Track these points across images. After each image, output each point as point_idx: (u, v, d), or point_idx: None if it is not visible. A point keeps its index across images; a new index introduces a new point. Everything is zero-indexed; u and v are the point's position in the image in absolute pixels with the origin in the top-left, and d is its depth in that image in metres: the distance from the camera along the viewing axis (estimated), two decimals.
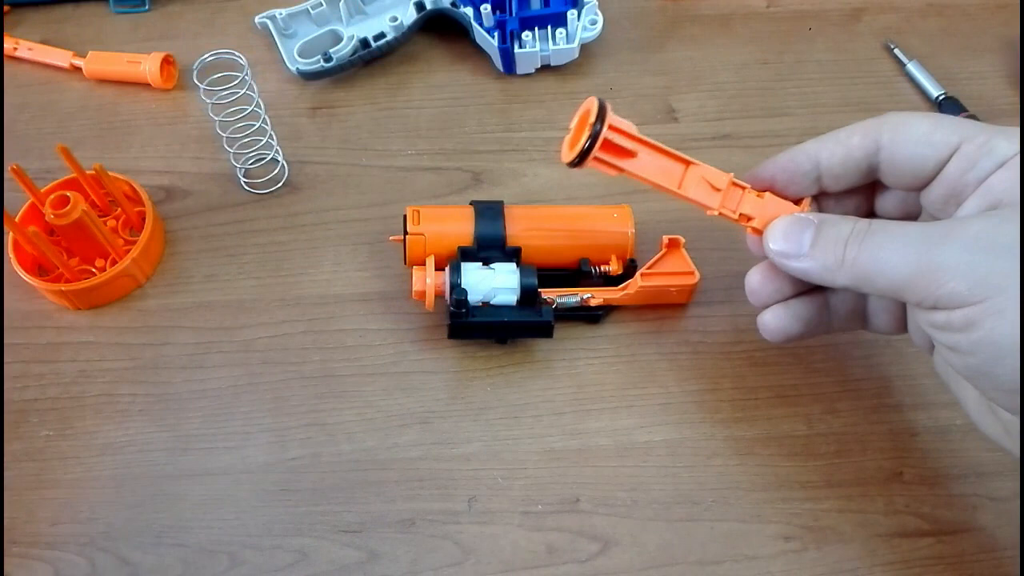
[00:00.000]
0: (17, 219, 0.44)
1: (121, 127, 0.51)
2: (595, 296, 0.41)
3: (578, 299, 0.41)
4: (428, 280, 0.39)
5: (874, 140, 0.31)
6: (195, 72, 0.43)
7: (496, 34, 0.50)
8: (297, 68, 0.51)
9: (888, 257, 0.28)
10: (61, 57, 0.53)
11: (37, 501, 0.38)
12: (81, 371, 0.42)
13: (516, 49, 0.50)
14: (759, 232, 0.33)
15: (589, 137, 0.32)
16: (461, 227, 0.41)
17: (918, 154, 0.30)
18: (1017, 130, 0.29)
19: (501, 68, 0.52)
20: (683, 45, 0.54)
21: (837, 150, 0.32)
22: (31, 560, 0.37)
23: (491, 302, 0.40)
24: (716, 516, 0.37)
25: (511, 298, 0.39)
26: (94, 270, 0.43)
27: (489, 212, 0.41)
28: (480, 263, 0.40)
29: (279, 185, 0.48)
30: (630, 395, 0.40)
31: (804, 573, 0.36)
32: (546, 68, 0.52)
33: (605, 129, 0.32)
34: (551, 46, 0.51)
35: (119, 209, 0.45)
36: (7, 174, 0.43)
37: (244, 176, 0.47)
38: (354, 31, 0.51)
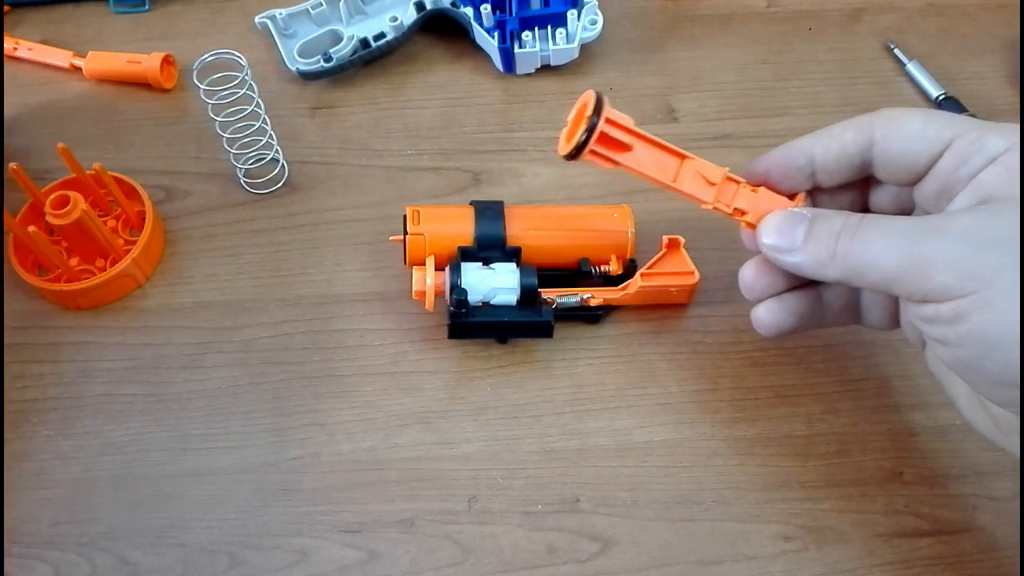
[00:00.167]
0: (17, 219, 0.44)
1: (121, 127, 0.51)
2: (595, 296, 0.41)
3: (578, 299, 0.41)
4: (428, 280, 0.39)
5: (867, 136, 0.31)
6: (195, 72, 0.43)
7: (496, 34, 0.50)
8: (297, 68, 0.51)
9: (879, 251, 0.29)
10: (61, 57, 0.53)
11: (37, 501, 0.38)
12: (81, 371, 0.42)
13: (516, 49, 0.50)
14: (753, 226, 0.33)
15: (586, 130, 0.32)
16: (461, 227, 0.41)
17: (911, 150, 0.30)
18: (1009, 126, 0.29)
19: (501, 68, 0.52)
20: (683, 45, 0.54)
21: (831, 145, 0.32)
22: (31, 560, 0.37)
23: (491, 302, 0.40)
24: (716, 516, 0.37)
25: (511, 298, 0.39)
26: (94, 270, 0.43)
27: (489, 212, 0.41)
28: (480, 263, 0.40)
29: (279, 185, 0.48)
30: (630, 395, 0.40)
31: (804, 573, 0.36)
32: (546, 68, 0.52)
33: (602, 122, 0.32)
34: (551, 46, 0.51)
35: (119, 209, 0.45)
36: (7, 174, 0.43)
37: (244, 176, 0.47)
38: (354, 31, 0.51)
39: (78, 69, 0.53)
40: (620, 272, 0.42)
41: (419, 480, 0.38)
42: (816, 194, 0.35)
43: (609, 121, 0.32)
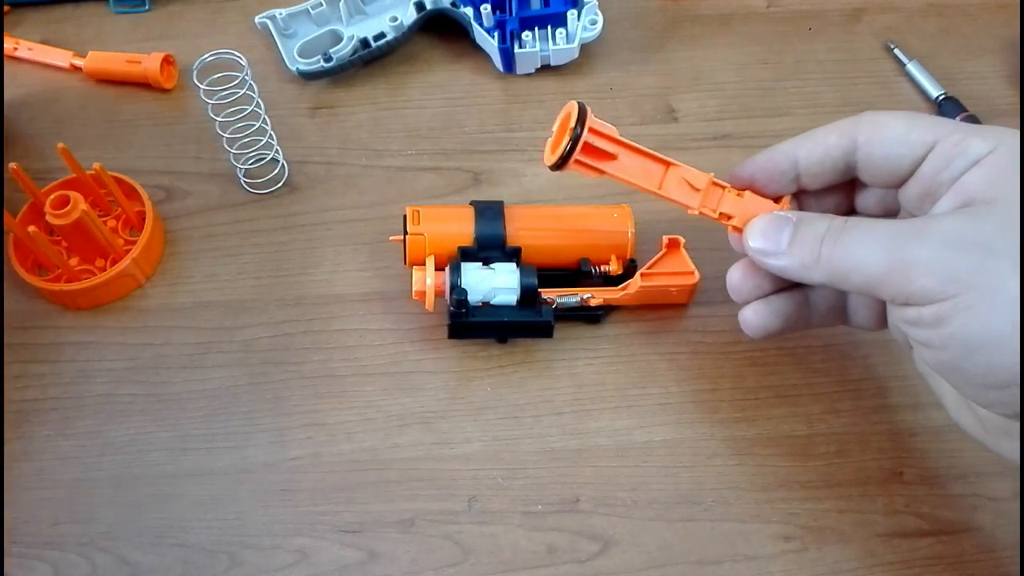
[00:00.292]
0: (17, 219, 0.44)
1: (121, 127, 0.51)
2: (595, 296, 0.41)
3: (578, 299, 0.41)
4: (428, 280, 0.39)
5: (851, 139, 0.32)
6: (195, 72, 0.43)
7: (496, 34, 0.50)
8: (297, 68, 0.51)
9: (862, 254, 0.29)
10: (61, 57, 0.53)
11: (37, 501, 0.38)
12: (81, 371, 0.42)
13: (516, 49, 0.50)
14: (740, 230, 0.34)
15: (570, 141, 0.33)
16: (461, 227, 0.41)
17: (894, 153, 0.31)
18: (990, 128, 0.29)
19: (501, 68, 0.52)
20: (683, 45, 0.54)
21: (815, 149, 0.33)
22: (31, 560, 0.37)
23: (491, 302, 0.40)
24: (716, 516, 0.37)
25: (511, 298, 0.39)
26: (94, 270, 0.43)
27: (489, 212, 0.41)
28: (480, 263, 0.40)
29: (279, 185, 0.48)
30: (630, 395, 0.40)
31: (804, 573, 0.36)
32: (546, 68, 0.52)
33: (585, 133, 0.33)
34: (551, 46, 0.51)
35: (119, 209, 0.45)
36: (7, 174, 0.43)
37: (244, 176, 0.47)
38: (354, 31, 0.51)
39: (78, 69, 0.53)
40: (620, 272, 0.42)
41: (419, 480, 0.38)
42: (802, 197, 0.35)
43: (593, 131, 0.33)
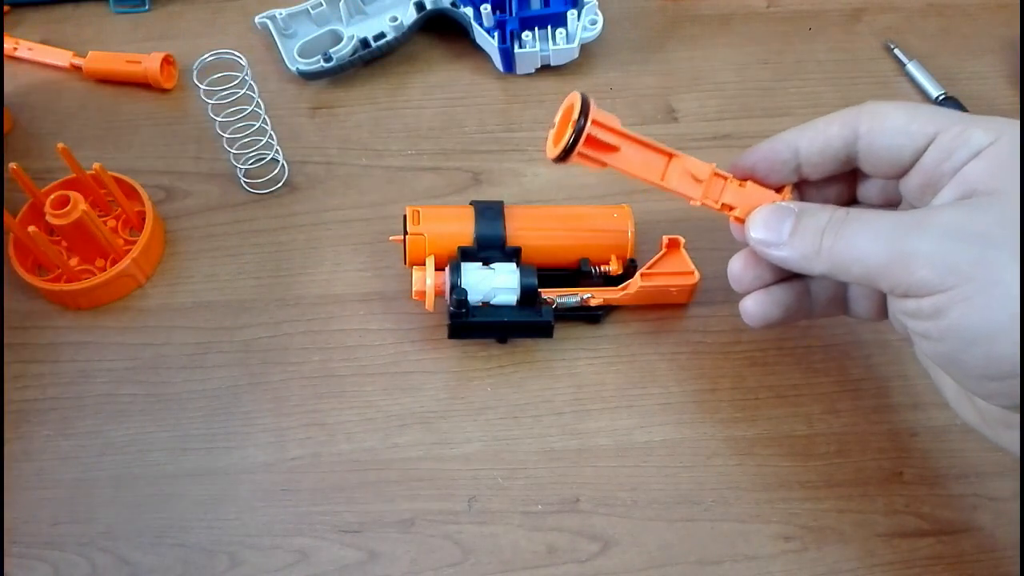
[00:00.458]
0: (17, 219, 0.44)
1: (121, 127, 0.51)
2: (595, 296, 0.41)
3: (578, 299, 0.41)
4: (428, 280, 0.39)
5: (852, 129, 0.32)
6: (195, 72, 0.43)
7: (496, 34, 0.50)
8: (297, 68, 0.51)
9: (862, 245, 0.29)
10: (61, 57, 0.53)
11: (37, 501, 0.38)
12: (81, 371, 0.42)
13: (516, 49, 0.50)
14: (742, 221, 0.34)
15: (573, 133, 0.32)
16: (461, 227, 0.41)
17: (895, 144, 0.31)
18: (992, 119, 0.29)
19: (501, 68, 0.52)
20: (683, 45, 0.54)
21: (816, 139, 0.33)
22: (31, 560, 0.37)
23: (491, 302, 0.40)
24: (716, 516, 0.37)
25: (511, 298, 0.39)
26: (94, 270, 0.43)
27: (489, 212, 0.41)
28: (480, 263, 0.40)
29: (279, 185, 0.48)
30: (630, 395, 0.40)
31: (804, 573, 0.36)
32: (546, 68, 0.52)
33: (589, 124, 0.32)
34: (551, 46, 0.51)
35: (119, 209, 0.45)
36: (7, 174, 0.43)
37: (244, 176, 0.47)
38: (354, 31, 0.51)
39: (78, 69, 0.53)
40: (620, 272, 0.42)
41: (419, 480, 0.38)
42: (803, 187, 0.35)
43: (596, 123, 0.32)
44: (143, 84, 0.52)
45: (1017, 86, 0.51)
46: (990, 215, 0.27)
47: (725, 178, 0.34)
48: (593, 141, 0.33)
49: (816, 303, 0.36)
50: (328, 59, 0.51)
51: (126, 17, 0.56)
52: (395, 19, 0.51)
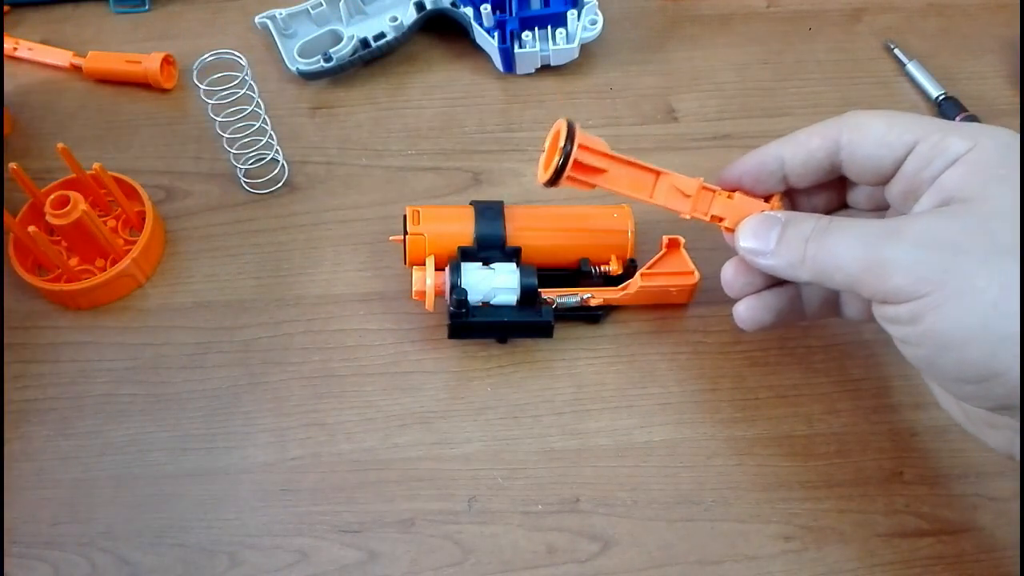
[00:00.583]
0: (17, 219, 0.44)
1: (121, 127, 0.51)
2: (595, 296, 0.41)
3: (578, 299, 0.41)
4: (428, 280, 0.39)
5: (834, 141, 0.32)
6: (195, 72, 0.43)
7: (496, 34, 0.50)
8: (297, 68, 0.51)
9: (842, 253, 0.30)
10: (61, 57, 0.53)
11: (37, 501, 0.38)
12: (81, 371, 0.42)
13: (516, 49, 0.50)
14: (732, 231, 0.35)
15: (561, 158, 0.34)
16: (461, 227, 0.41)
17: (876, 154, 0.31)
18: (969, 126, 0.30)
19: (501, 68, 0.52)
20: (683, 45, 0.54)
21: (799, 152, 0.33)
22: (31, 560, 0.37)
23: (491, 302, 0.40)
24: (716, 516, 0.37)
25: (511, 298, 0.39)
26: (94, 270, 0.43)
27: (489, 212, 0.41)
28: (480, 263, 0.40)
29: (279, 185, 0.48)
30: (630, 395, 0.40)
31: (804, 573, 0.36)
32: (546, 68, 0.52)
33: (575, 150, 0.34)
34: (551, 46, 0.51)
35: (119, 209, 0.45)
36: (7, 174, 0.43)
37: (244, 176, 0.47)
38: (354, 31, 0.51)
39: (78, 69, 0.53)
40: (620, 272, 0.42)
41: (419, 480, 0.38)
42: (794, 194, 0.36)
43: (583, 147, 0.34)
44: (143, 84, 0.52)
45: (1017, 86, 0.51)
46: (961, 223, 0.28)
47: (713, 191, 0.35)
48: (580, 165, 0.34)
49: (809, 306, 0.36)
50: (328, 59, 0.51)
51: (126, 17, 0.56)
52: (395, 19, 0.51)
